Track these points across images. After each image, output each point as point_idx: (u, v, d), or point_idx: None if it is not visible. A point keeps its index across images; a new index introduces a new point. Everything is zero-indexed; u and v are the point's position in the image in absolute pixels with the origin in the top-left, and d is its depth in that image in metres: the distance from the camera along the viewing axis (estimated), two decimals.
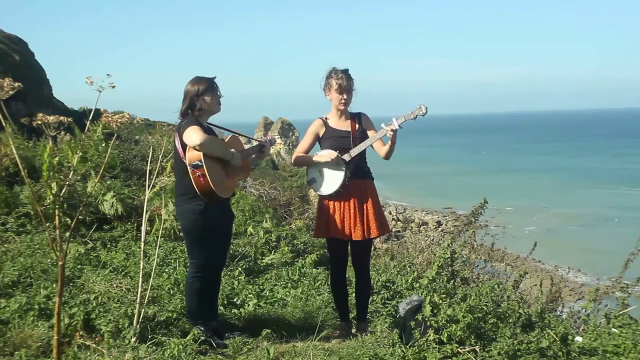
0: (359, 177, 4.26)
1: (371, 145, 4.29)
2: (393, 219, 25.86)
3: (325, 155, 4.27)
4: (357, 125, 4.31)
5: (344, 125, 4.32)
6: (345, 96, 4.24)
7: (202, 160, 3.72)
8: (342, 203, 4.24)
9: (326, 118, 4.39)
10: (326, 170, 4.29)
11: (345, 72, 4.26)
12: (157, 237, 4.75)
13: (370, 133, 4.31)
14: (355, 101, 4.38)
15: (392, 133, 4.10)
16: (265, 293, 5.26)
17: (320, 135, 4.37)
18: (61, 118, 2.90)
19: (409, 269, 6.87)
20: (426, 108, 4.10)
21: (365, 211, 4.23)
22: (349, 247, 4.36)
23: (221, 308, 4.54)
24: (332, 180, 4.25)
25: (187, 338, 3.68)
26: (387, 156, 4.29)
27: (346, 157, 4.22)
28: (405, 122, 4.12)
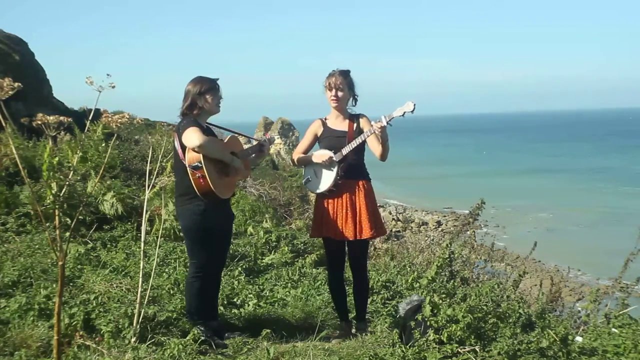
0: (353, 176, 4.25)
1: (368, 146, 4.29)
2: (393, 219, 25.87)
3: (319, 156, 4.28)
4: (354, 126, 4.30)
5: (342, 126, 4.32)
6: (334, 93, 4.24)
7: (202, 162, 3.72)
8: (335, 203, 4.24)
9: (325, 118, 4.40)
10: (320, 170, 4.30)
11: (341, 71, 4.26)
12: (157, 237, 4.75)
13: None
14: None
15: (379, 130, 4.09)
16: (265, 293, 5.26)
17: (319, 135, 4.39)
18: (61, 118, 2.90)
19: (409, 269, 6.86)
20: (414, 105, 4.04)
21: (357, 211, 4.21)
22: (347, 247, 4.36)
23: (221, 308, 4.54)
24: (325, 179, 4.27)
25: (187, 338, 3.69)
26: (382, 156, 4.27)
27: (337, 156, 4.23)
28: (393, 119, 4.08)
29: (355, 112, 4.38)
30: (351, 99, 4.34)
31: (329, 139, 4.32)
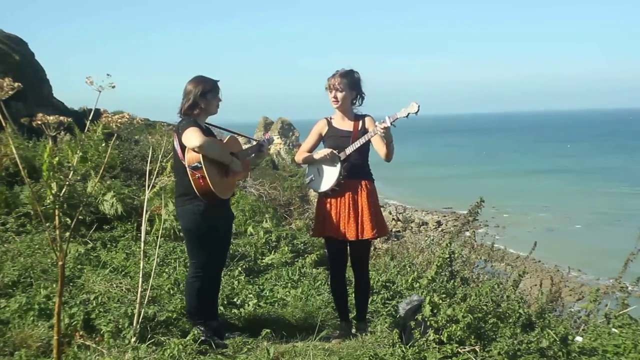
0: (356, 176, 4.25)
1: (373, 146, 4.29)
2: (393, 219, 25.85)
3: (321, 152, 4.29)
4: (359, 126, 4.30)
5: (346, 126, 4.32)
6: (333, 94, 4.24)
7: (201, 162, 3.72)
8: (338, 202, 4.24)
9: (331, 118, 4.40)
10: (323, 168, 4.30)
11: (342, 72, 4.26)
12: (157, 237, 4.75)
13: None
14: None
15: (383, 131, 4.09)
16: (265, 293, 5.27)
17: (323, 135, 4.39)
18: (61, 118, 2.89)
19: (409, 269, 6.87)
20: (418, 106, 4.03)
21: (360, 211, 4.21)
22: (348, 247, 4.36)
23: (221, 308, 4.54)
24: (328, 178, 4.27)
25: (187, 338, 3.69)
26: (387, 157, 4.26)
27: (342, 155, 4.23)
28: (397, 120, 4.08)
29: (361, 112, 4.38)
30: (357, 98, 4.33)
31: (334, 138, 4.32)
